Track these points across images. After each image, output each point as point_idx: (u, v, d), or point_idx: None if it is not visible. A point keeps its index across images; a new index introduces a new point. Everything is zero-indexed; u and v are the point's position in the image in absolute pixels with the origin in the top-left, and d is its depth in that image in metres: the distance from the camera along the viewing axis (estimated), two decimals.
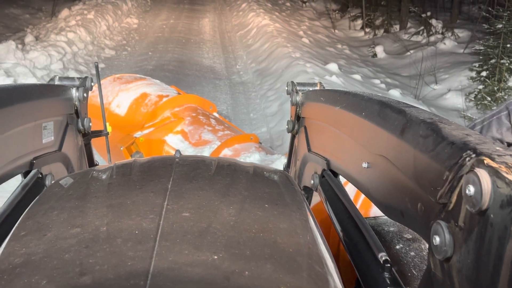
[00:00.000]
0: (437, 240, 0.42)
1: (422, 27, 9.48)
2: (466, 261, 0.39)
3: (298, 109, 1.23)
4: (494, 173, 0.34)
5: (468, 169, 0.38)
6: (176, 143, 2.02)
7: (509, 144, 0.98)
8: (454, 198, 0.41)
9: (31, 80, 5.32)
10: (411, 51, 8.38)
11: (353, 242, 0.74)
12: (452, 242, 0.41)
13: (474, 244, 0.37)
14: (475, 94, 6.29)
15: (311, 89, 1.25)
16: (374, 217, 1.11)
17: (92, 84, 1.29)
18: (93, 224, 0.56)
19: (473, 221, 0.37)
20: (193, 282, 0.44)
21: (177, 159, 0.81)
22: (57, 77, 1.24)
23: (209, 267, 0.47)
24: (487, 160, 0.36)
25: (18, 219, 0.61)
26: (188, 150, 2.11)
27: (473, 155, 0.39)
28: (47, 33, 7.71)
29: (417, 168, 0.52)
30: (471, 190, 0.36)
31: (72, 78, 1.25)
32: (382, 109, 0.68)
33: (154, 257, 0.47)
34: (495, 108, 0.77)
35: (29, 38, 7.11)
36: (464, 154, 0.41)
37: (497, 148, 0.39)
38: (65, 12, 8.67)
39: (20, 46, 6.40)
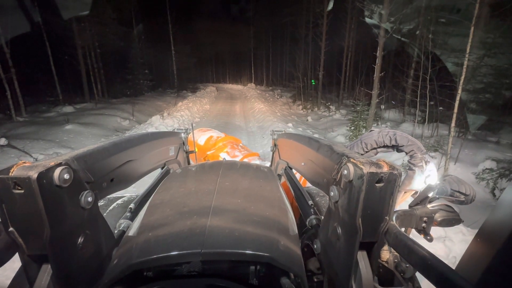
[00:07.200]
0: (332, 194, 0.60)
1: (326, 109, 13.65)
2: (344, 202, 0.57)
3: (274, 141, 1.64)
4: (354, 164, 0.52)
5: (344, 163, 0.54)
6: (224, 156, 2.77)
7: (361, 154, 1.20)
8: (338, 175, 0.58)
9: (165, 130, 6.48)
10: (322, 119, 11.75)
11: (298, 197, 1.00)
12: (338, 194, 0.58)
13: (347, 194, 0.54)
14: (349, 137, 8.90)
15: (280, 133, 1.64)
16: (307, 187, 1.35)
17: (190, 131, 1.70)
18: (188, 187, 0.80)
19: (346, 185, 0.55)
20: (231, 211, 0.65)
21: (224, 161, 1.15)
22: (176, 128, 1.67)
23: (237, 204, 0.69)
24: (352, 160, 0.53)
25: (159, 185, 0.87)
26: (228, 159, 2.59)
27: (346, 157, 0.56)
28: (172, 112, 10.99)
29: (324, 164, 0.71)
30: (345, 172, 0.53)
31: (182, 129, 1.68)
32: (310, 140, 0.93)
33: (213, 200, 0.68)
34: (355, 140, 1.15)
35: (165, 114, 10.35)
36: (342, 157, 0.58)
37: (356, 155, 0.57)
38: (180, 103, 13.61)
39: (161, 117, 9.57)
